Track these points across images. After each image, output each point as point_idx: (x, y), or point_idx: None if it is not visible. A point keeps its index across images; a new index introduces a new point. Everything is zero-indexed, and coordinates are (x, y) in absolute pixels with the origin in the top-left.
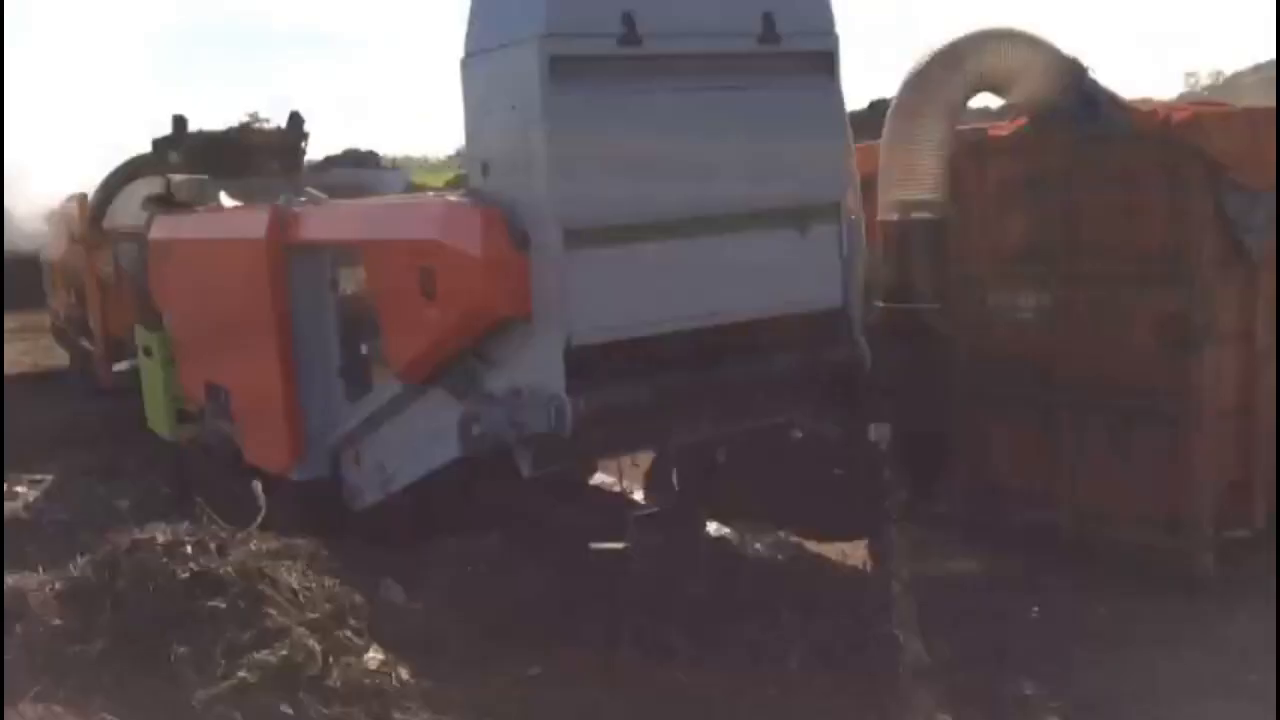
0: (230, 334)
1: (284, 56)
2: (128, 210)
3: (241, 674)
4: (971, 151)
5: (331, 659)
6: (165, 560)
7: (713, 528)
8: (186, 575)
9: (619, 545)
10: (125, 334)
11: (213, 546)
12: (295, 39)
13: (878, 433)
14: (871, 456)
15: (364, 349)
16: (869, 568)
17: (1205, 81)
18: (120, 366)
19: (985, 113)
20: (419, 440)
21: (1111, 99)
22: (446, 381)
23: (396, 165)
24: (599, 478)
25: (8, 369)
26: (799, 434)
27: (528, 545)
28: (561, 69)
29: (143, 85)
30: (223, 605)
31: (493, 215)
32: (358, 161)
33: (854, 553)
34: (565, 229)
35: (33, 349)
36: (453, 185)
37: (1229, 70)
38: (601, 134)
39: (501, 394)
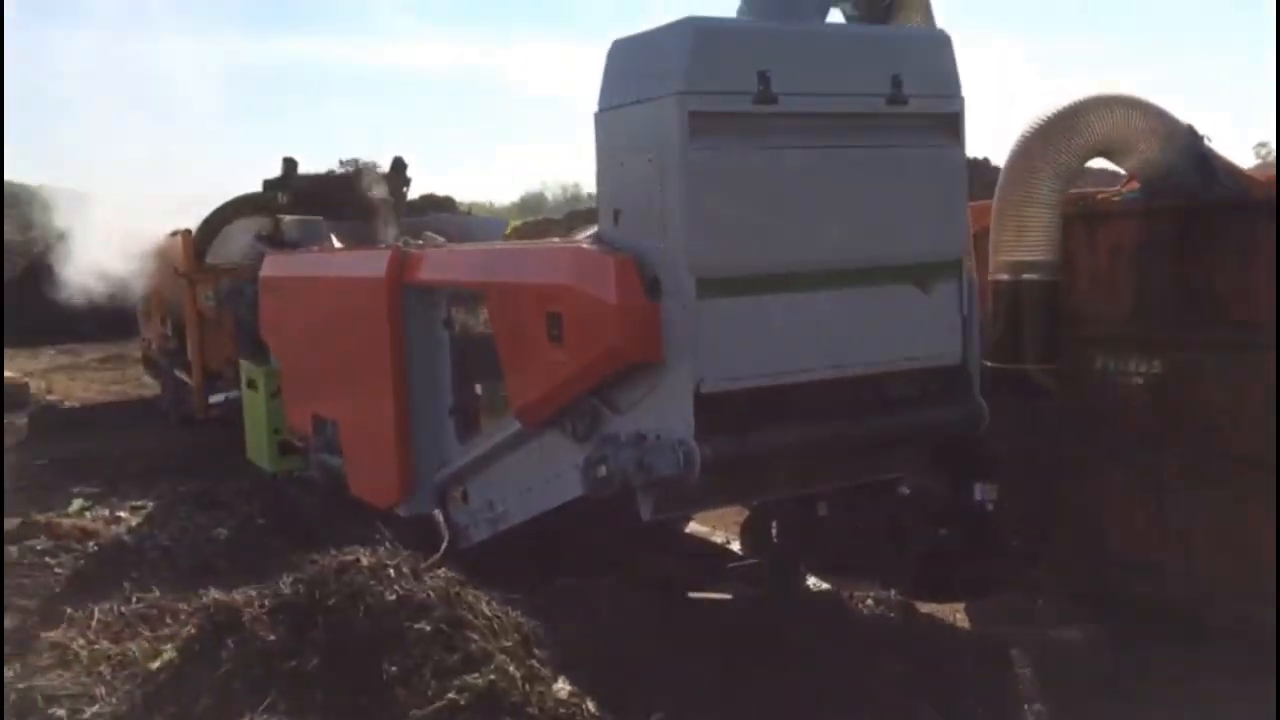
0: (343, 369)
1: (342, 100)
2: (230, 247)
3: (450, 695)
4: (1084, 215)
5: (528, 686)
6: (372, 582)
7: (811, 581)
8: (393, 598)
9: (719, 595)
10: (221, 367)
11: (407, 571)
12: (349, 82)
13: (984, 493)
14: (978, 517)
15: (478, 389)
16: (971, 632)
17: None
18: (217, 398)
19: (1098, 175)
20: (534, 480)
21: (1227, 166)
22: (565, 424)
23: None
24: (692, 526)
25: (100, 397)
26: (906, 491)
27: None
28: (699, 124)
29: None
30: (427, 628)
31: (626, 262)
32: (436, 207)
33: (956, 614)
34: (698, 278)
35: (122, 378)
36: (519, 232)
37: None
38: (734, 187)
39: (625, 438)
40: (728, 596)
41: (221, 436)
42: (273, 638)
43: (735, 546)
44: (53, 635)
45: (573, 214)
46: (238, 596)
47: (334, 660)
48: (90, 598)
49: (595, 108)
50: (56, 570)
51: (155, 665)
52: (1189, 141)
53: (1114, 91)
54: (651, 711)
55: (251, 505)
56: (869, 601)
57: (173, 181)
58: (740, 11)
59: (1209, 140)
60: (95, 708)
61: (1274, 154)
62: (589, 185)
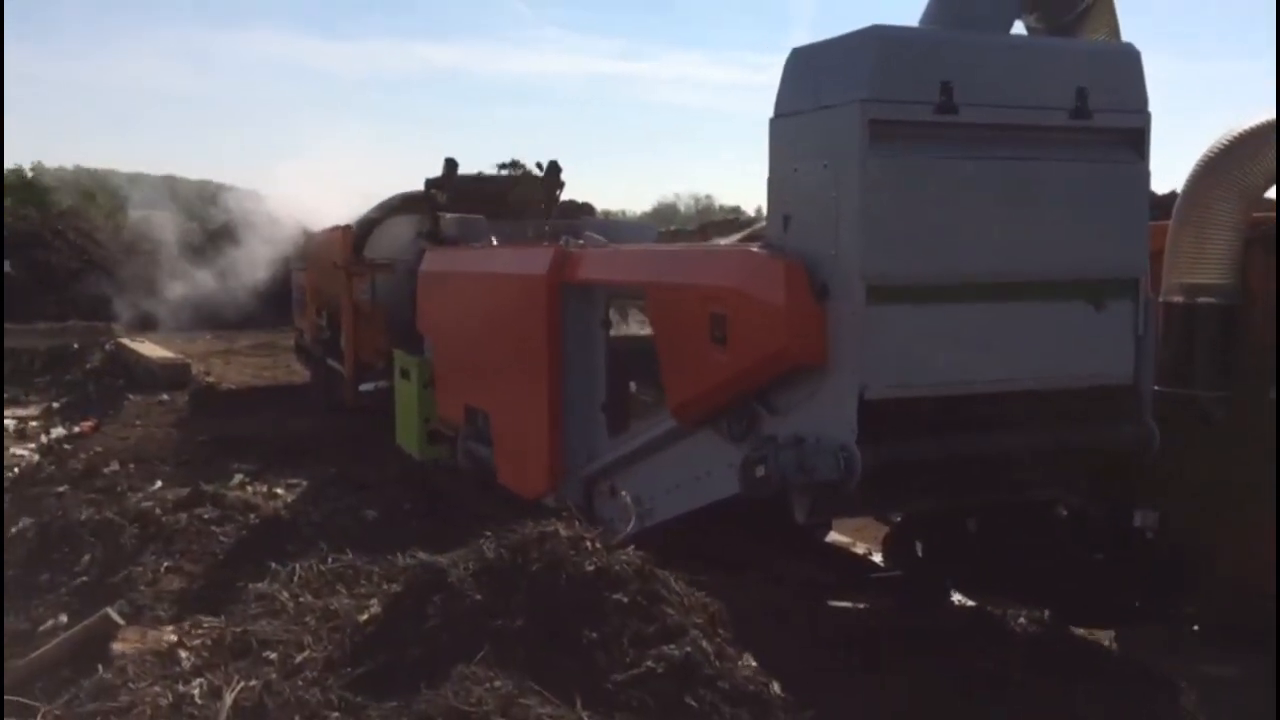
0: (499, 362)
1: (488, 106)
2: (387, 243)
3: (649, 664)
4: (1263, 240)
5: (719, 661)
6: (572, 552)
7: (956, 598)
8: (592, 568)
9: (859, 605)
10: (372, 357)
11: (600, 545)
12: (486, 89)
13: (1145, 519)
14: (1137, 544)
15: (632, 386)
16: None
17: None
18: (366, 387)
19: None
20: (685, 478)
21: None
22: (721, 423)
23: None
24: (832, 536)
25: (255, 381)
26: (1064, 512)
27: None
28: (879, 132)
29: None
30: (625, 599)
31: (795, 266)
32: (574, 212)
33: (1105, 641)
34: (869, 284)
35: (273, 365)
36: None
37: None
38: (911, 196)
39: (784, 440)
40: (865, 606)
41: (369, 423)
42: (479, 597)
43: (876, 558)
44: (259, 586)
45: (706, 225)
46: (443, 559)
47: (537, 622)
48: (251, 564)
49: (770, 114)
50: (220, 538)
51: (363, 618)
52: None
53: None
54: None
55: (398, 489)
56: (1021, 620)
57: (328, 181)
58: (923, 21)
59: None
60: (305, 653)
61: None
62: (721, 197)
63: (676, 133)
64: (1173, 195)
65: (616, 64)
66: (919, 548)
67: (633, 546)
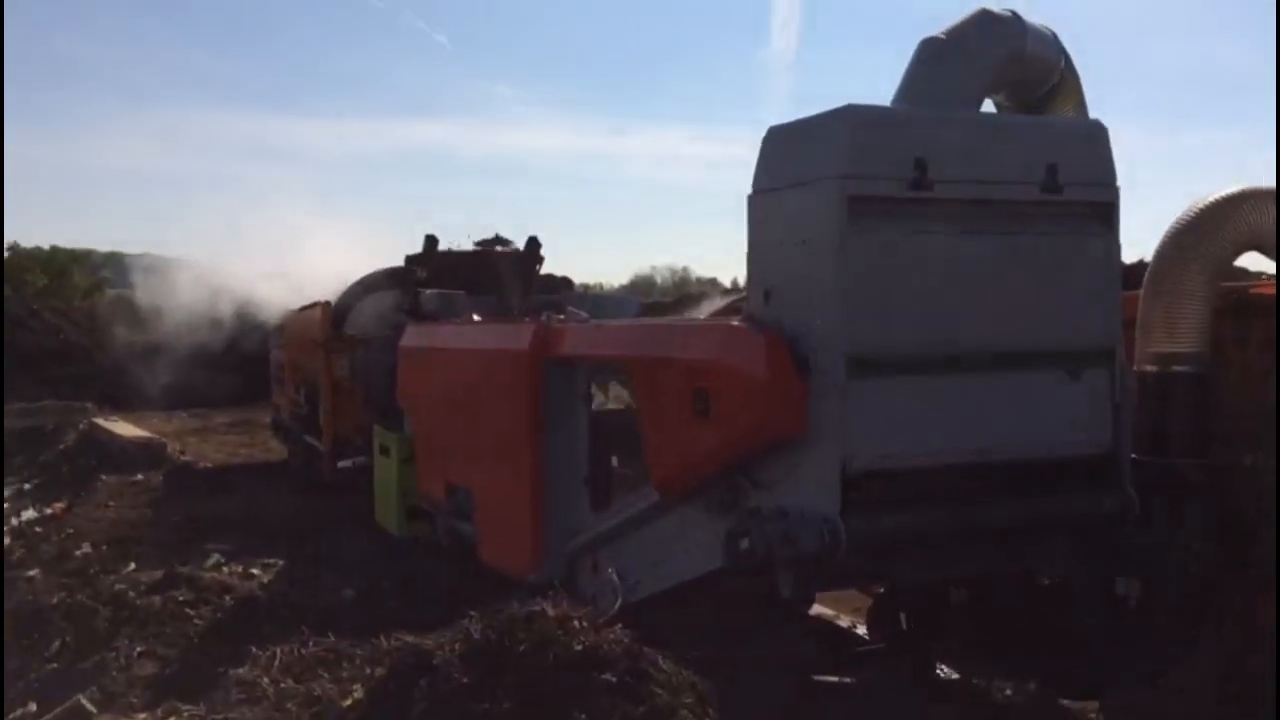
0: (480, 438)
1: (460, 182)
2: (367, 319)
3: None
4: (1235, 309)
5: None
6: (560, 632)
7: (942, 669)
8: (580, 648)
9: (844, 680)
10: (350, 433)
11: (587, 624)
12: (463, 166)
13: (1126, 588)
14: (1120, 612)
15: (614, 461)
16: None
17: None
18: (345, 464)
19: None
20: (669, 552)
21: None
22: (705, 497)
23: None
24: (817, 609)
25: (230, 458)
26: (1046, 581)
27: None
28: (857, 208)
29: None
30: (613, 680)
31: (776, 340)
32: (554, 286)
33: (1091, 713)
34: (849, 357)
35: (250, 442)
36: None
37: None
38: (888, 270)
39: (767, 513)
40: (851, 680)
41: (348, 501)
42: (465, 680)
43: (861, 630)
44: (239, 672)
45: (683, 297)
46: (427, 641)
47: (525, 705)
48: (229, 648)
49: (749, 190)
50: (195, 621)
51: (347, 703)
52: None
53: (1268, 186)
54: None
55: (377, 568)
56: (1007, 692)
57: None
58: (896, 100)
59: None
60: None
61: None
62: (697, 269)
63: (655, 206)
64: (1140, 264)
65: (594, 141)
66: (903, 619)
67: (620, 625)
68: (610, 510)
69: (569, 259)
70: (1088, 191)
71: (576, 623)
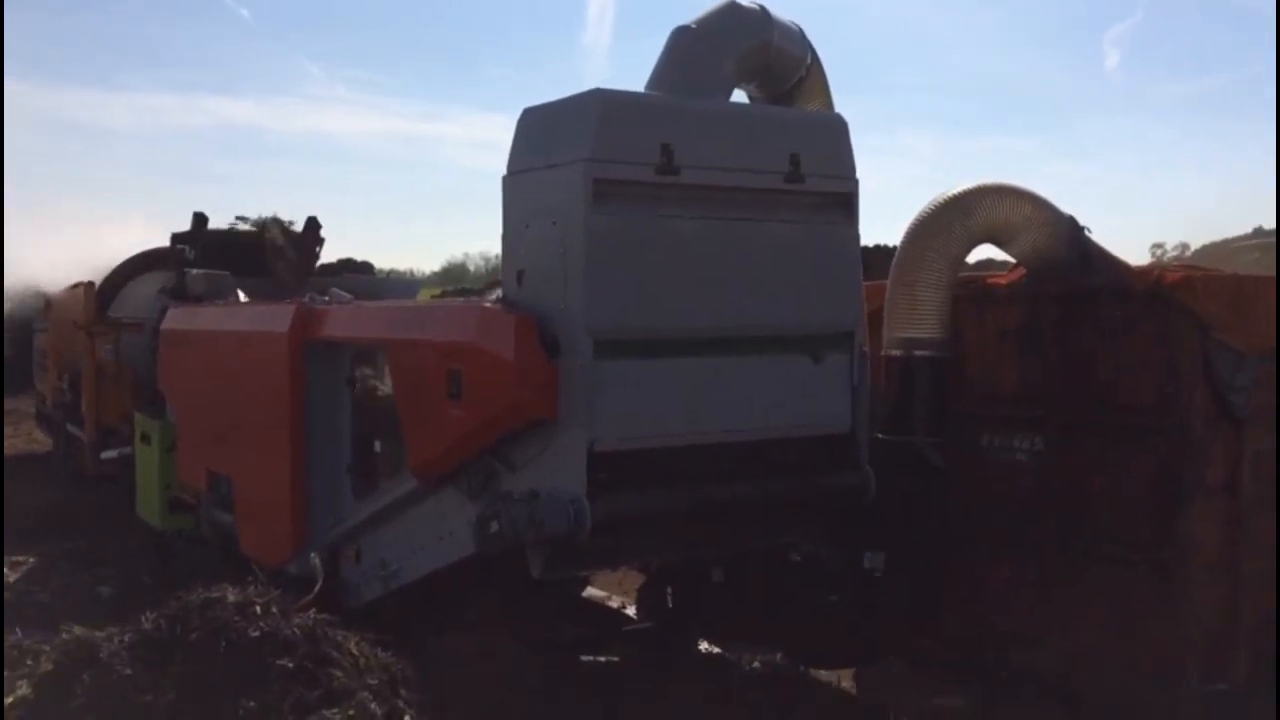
0: (241, 424)
1: (279, 164)
2: (135, 301)
3: None
4: (973, 297)
5: None
6: (237, 618)
7: (703, 646)
8: (257, 634)
9: (611, 658)
10: (116, 422)
11: (275, 610)
12: (292, 149)
13: (872, 561)
14: (866, 585)
15: (377, 446)
16: (857, 696)
17: (1172, 253)
18: (109, 454)
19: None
20: (428, 538)
21: (1105, 256)
22: (461, 481)
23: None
24: (590, 590)
25: None
26: (797, 558)
27: (522, 653)
28: (602, 190)
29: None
30: (290, 665)
31: (525, 320)
32: (354, 270)
33: (843, 680)
34: (595, 339)
35: (14, 433)
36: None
37: (1195, 243)
38: (634, 253)
39: (518, 495)
40: (615, 659)
41: (113, 493)
42: (129, 672)
43: (631, 611)
44: None
45: (494, 283)
46: (98, 633)
47: (192, 695)
48: None
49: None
50: None
51: (10, 701)
52: (1070, 231)
53: (1002, 182)
54: None
55: (138, 563)
56: (756, 665)
57: (83, 239)
58: (649, 86)
59: (1089, 232)
60: None
61: (1167, 255)
62: None
63: (470, 193)
64: (877, 249)
65: (410, 125)
66: (669, 599)
67: (313, 610)
68: (373, 497)
69: (385, 246)
70: (829, 182)
71: (259, 608)
